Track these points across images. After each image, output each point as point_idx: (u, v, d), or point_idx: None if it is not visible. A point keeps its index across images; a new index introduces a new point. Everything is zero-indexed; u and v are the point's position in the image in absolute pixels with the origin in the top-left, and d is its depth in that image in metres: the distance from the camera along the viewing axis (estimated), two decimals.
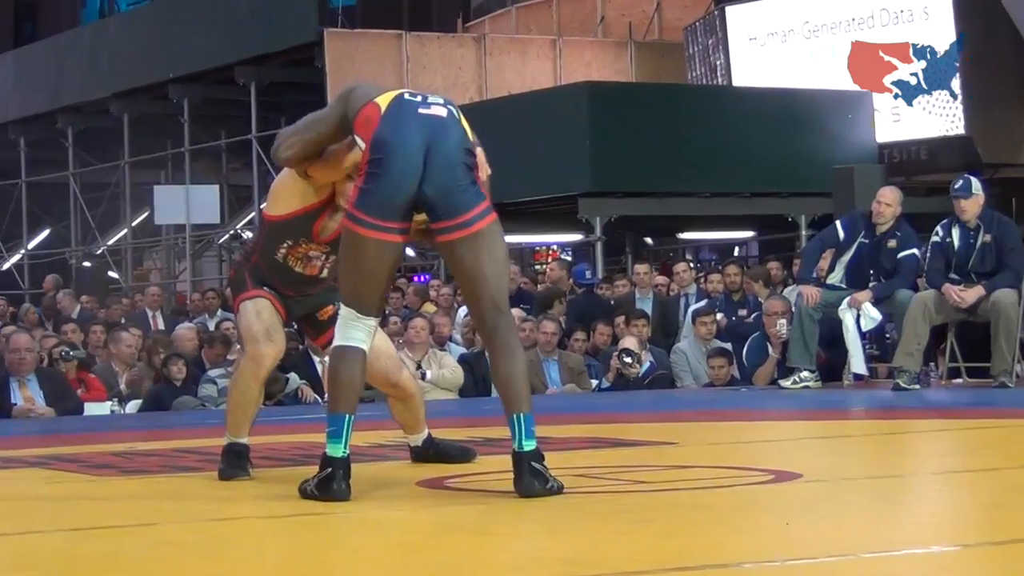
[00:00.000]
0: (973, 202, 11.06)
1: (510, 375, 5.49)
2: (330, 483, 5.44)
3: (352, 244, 5.54)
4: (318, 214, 6.16)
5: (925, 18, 19.41)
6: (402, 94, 5.66)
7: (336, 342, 5.67)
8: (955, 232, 11.13)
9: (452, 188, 5.48)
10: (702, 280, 14.17)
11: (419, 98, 5.65)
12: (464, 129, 5.62)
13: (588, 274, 15.79)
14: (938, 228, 11.28)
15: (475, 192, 5.52)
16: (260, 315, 6.29)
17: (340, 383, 5.59)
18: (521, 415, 5.42)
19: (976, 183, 11.19)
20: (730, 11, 21.58)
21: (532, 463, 5.37)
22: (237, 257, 6.50)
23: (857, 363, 11.29)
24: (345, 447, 5.49)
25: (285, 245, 6.23)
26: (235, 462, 6.32)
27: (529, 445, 5.40)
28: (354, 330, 5.61)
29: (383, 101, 5.61)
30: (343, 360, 5.62)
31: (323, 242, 6.20)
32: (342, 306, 5.67)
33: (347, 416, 5.52)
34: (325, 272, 6.28)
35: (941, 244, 11.18)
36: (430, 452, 6.66)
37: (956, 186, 11.19)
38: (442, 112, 5.60)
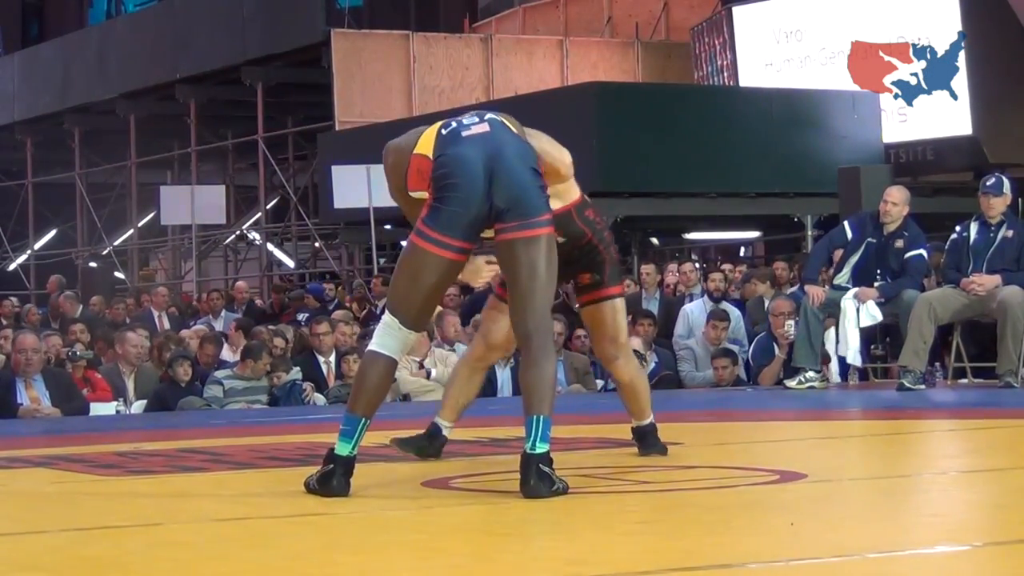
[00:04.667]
0: (1002, 201, 11.12)
1: (539, 378, 5.51)
2: (331, 479, 5.51)
3: (413, 256, 5.61)
4: None
5: (926, 18, 19.40)
6: (438, 130, 5.72)
7: (371, 347, 5.72)
8: (973, 227, 11.16)
9: (521, 195, 5.55)
10: (710, 280, 14.15)
11: (454, 124, 5.70)
12: (519, 139, 5.68)
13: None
14: (956, 226, 11.32)
15: (544, 200, 5.61)
16: (497, 318, 6.55)
17: (365, 387, 5.64)
18: (540, 417, 5.42)
19: (1007, 183, 11.24)
20: (737, 11, 21.59)
21: (540, 466, 5.37)
22: None
23: (853, 354, 11.29)
24: (353, 448, 5.55)
25: None
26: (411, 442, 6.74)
27: (541, 448, 5.40)
28: (392, 340, 5.65)
29: (424, 149, 5.68)
30: (374, 365, 5.67)
31: None
32: (387, 313, 5.72)
33: (363, 420, 5.58)
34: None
35: (958, 240, 11.21)
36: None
37: (988, 183, 11.21)
38: (484, 128, 5.66)
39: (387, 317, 5.68)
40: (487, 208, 5.54)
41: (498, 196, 5.53)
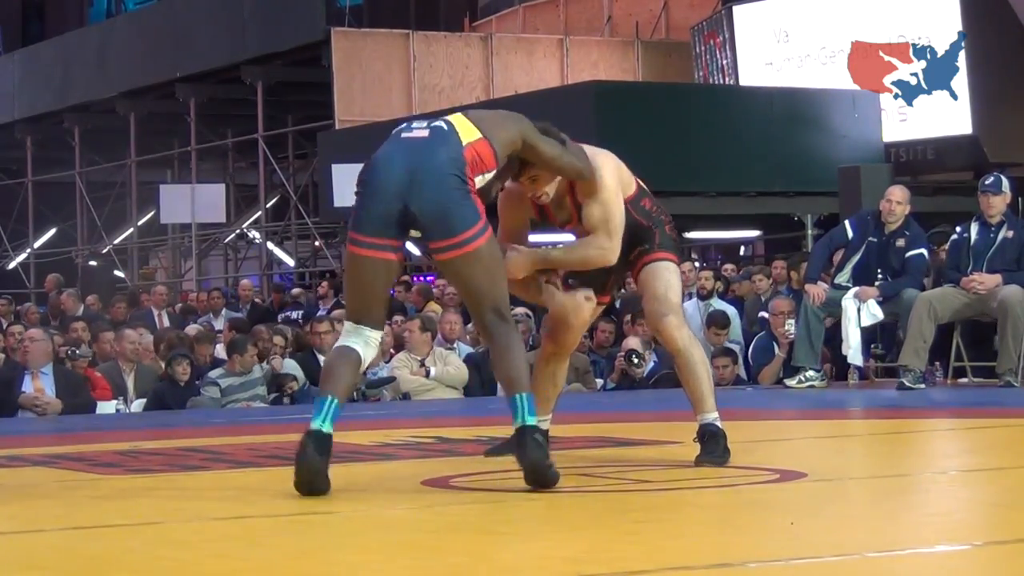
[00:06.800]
0: (1001, 199, 11.13)
1: (512, 363, 5.59)
2: (304, 449, 5.54)
3: (348, 262, 5.75)
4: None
5: (926, 18, 19.39)
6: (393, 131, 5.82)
7: (337, 343, 5.84)
8: (974, 228, 11.16)
9: (442, 207, 5.55)
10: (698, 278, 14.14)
11: (404, 124, 5.81)
12: (456, 147, 5.65)
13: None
14: (957, 226, 11.34)
15: (471, 211, 5.59)
16: (554, 310, 6.49)
17: (329, 371, 5.75)
18: (523, 395, 5.50)
19: (1006, 181, 11.25)
20: (737, 10, 21.57)
21: (535, 436, 5.44)
22: None
23: (855, 354, 11.29)
24: (323, 422, 5.55)
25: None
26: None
27: (531, 420, 5.46)
28: (351, 336, 5.74)
29: None
30: (337, 356, 5.78)
31: (567, 225, 6.40)
32: (345, 320, 5.84)
33: (330, 397, 5.60)
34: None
35: (959, 241, 11.21)
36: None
37: (987, 182, 11.21)
38: (423, 133, 5.69)
39: (345, 324, 5.82)
40: (400, 208, 5.54)
41: (416, 206, 5.54)
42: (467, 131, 5.74)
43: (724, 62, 21.71)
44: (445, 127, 5.73)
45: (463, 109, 6.01)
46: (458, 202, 5.56)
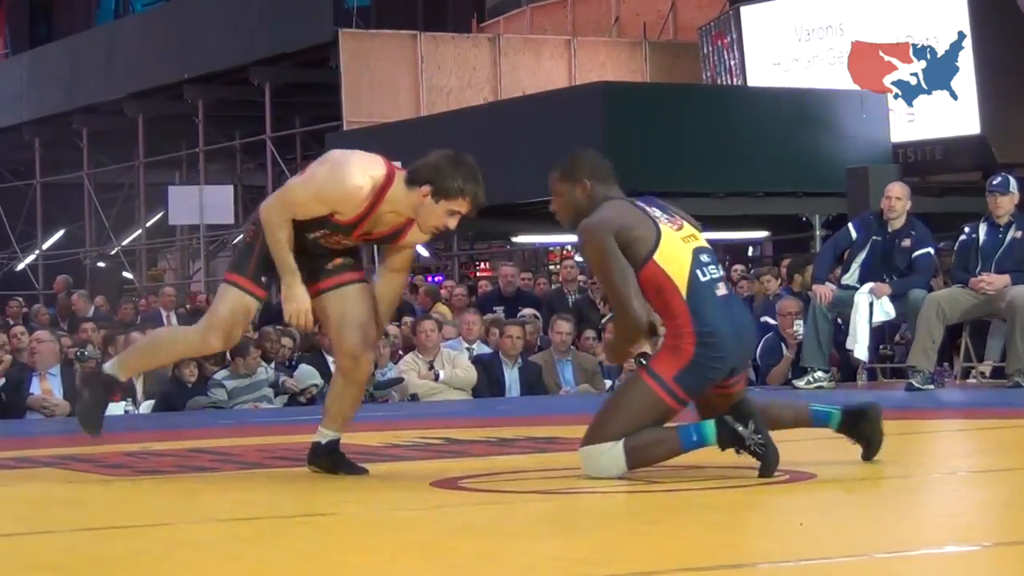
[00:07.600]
0: (1009, 199, 11.12)
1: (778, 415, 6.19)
2: None
3: (656, 408, 5.85)
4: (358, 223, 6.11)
5: (931, 17, 19.38)
6: (692, 269, 5.94)
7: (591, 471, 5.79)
8: (982, 228, 11.15)
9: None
10: None
11: (707, 275, 5.92)
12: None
13: None
14: (965, 227, 11.31)
15: None
16: (234, 312, 6.21)
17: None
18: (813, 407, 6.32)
19: (1014, 182, 11.23)
20: (745, 11, 21.57)
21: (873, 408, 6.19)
22: (253, 222, 6.40)
23: (860, 349, 11.26)
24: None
25: (320, 232, 6.14)
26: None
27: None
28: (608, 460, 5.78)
29: (678, 276, 5.92)
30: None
31: (361, 239, 6.19)
32: (617, 439, 5.86)
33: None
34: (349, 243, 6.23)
35: (967, 241, 11.19)
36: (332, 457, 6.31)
37: (994, 182, 11.20)
38: (724, 291, 5.93)
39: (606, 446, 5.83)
40: (732, 368, 5.89)
41: (740, 360, 5.95)
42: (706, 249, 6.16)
43: (732, 63, 21.70)
44: (724, 273, 6.13)
45: (682, 221, 6.39)
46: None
